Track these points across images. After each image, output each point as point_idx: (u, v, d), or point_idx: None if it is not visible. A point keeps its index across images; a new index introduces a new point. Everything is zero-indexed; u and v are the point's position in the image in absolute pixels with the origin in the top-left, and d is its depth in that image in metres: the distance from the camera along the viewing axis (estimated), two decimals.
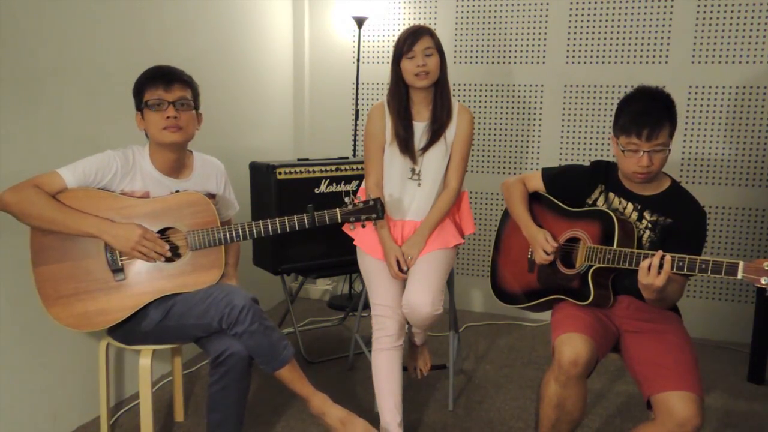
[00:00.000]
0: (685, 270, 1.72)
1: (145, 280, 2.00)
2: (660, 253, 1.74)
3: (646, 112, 1.87)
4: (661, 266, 1.72)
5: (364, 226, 2.17)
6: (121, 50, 2.51)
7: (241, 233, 2.04)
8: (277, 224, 2.06)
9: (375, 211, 2.13)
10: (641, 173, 1.90)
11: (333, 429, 2.06)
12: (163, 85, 2.00)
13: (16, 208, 1.88)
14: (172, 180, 2.10)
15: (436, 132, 2.32)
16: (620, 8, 3.35)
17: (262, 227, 2.06)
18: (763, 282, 1.59)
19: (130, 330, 2.05)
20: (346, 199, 2.13)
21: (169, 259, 2.02)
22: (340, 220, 2.11)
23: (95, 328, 2.00)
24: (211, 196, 2.17)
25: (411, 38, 2.22)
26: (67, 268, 1.95)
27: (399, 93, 2.30)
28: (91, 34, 2.38)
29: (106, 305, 1.97)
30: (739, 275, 1.62)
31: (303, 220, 2.07)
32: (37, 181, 1.91)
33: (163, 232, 2.03)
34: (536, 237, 2.09)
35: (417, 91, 2.29)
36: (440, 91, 2.30)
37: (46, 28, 2.19)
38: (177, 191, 2.08)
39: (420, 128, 2.33)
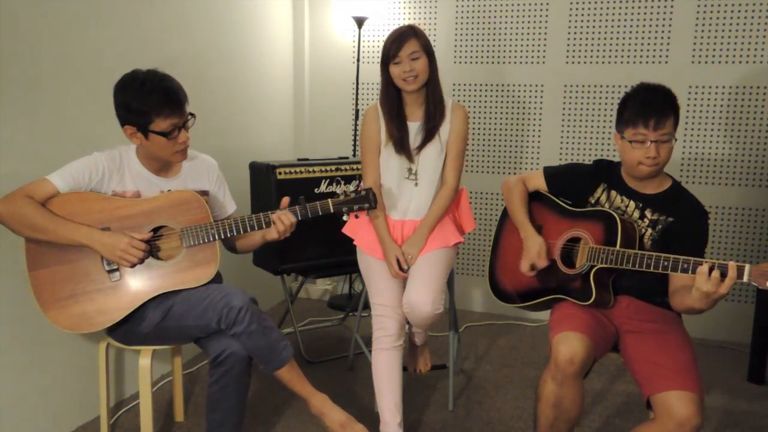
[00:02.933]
0: (689, 272, 1.71)
1: (142, 278, 2.00)
2: (714, 262, 1.65)
3: (651, 102, 1.90)
4: (723, 274, 1.62)
5: (357, 216, 2.16)
6: (121, 50, 2.51)
7: (234, 228, 2.04)
8: (270, 217, 2.06)
9: (367, 200, 2.12)
10: (648, 165, 1.90)
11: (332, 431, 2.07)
12: (177, 113, 1.96)
13: (8, 219, 1.87)
14: (160, 179, 2.09)
15: (429, 131, 2.32)
16: (620, 8, 3.35)
17: (255, 221, 2.05)
18: None
19: (129, 331, 2.04)
20: (338, 190, 2.13)
21: (154, 255, 2.01)
22: (332, 210, 2.10)
23: (94, 329, 1.99)
24: (203, 193, 2.16)
25: (396, 44, 2.21)
26: (63, 270, 1.95)
27: (390, 96, 2.31)
28: (91, 34, 2.39)
29: (104, 305, 1.97)
30: (745, 278, 1.60)
31: (296, 212, 2.07)
32: (28, 190, 1.89)
33: (156, 231, 2.02)
34: (530, 249, 2.09)
35: (408, 92, 2.29)
36: (431, 90, 2.30)
37: (46, 28, 2.19)
38: (169, 190, 2.08)
39: (414, 128, 2.34)
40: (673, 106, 1.91)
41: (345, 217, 2.14)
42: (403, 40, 2.21)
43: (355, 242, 2.44)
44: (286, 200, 2.10)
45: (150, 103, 1.92)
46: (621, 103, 1.98)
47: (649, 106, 1.89)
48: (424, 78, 2.25)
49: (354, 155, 3.75)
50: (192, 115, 2.02)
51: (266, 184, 3.02)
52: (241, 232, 2.06)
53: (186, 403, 2.62)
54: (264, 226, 2.07)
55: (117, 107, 1.96)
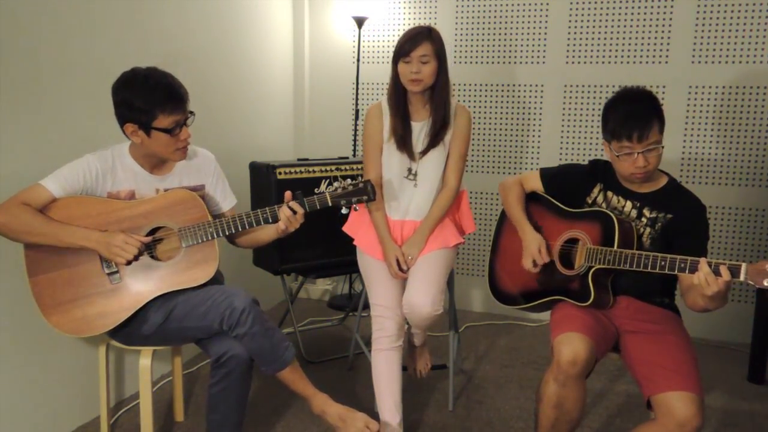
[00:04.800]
0: (687, 271, 1.72)
1: (142, 279, 1.99)
2: (703, 260, 1.67)
3: (633, 114, 1.88)
4: (715, 272, 1.64)
5: (356, 209, 2.15)
6: (121, 50, 2.51)
7: (233, 225, 2.02)
8: (268, 213, 2.03)
9: (365, 192, 2.09)
10: (639, 174, 1.91)
11: (334, 427, 2.07)
12: (180, 110, 1.94)
13: (5, 228, 1.86)
14: (155, 177, 2.08)
15: (434, 138, 2.31)
16: (620, 8, 3.35)
17: (253, 218, 2.03)
18: (766, 284, 1.58)
19: (131, 333, 2.04)
20: (335, 183, 2.11)
21: (150, 254, 2.00)
22: (330, 203, 2.07)
23: (96, 332, 1.98)
24: (200, 187, 2.14)
25: (410, 43, 2.21)
26: (63, 275, 1.94)
27: (397, 92, 2.30)
28: (91, 34, 2.38)
29: (105, 308, 1.96)
30: (742, 277, 1.61)
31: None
32: (24, 198, 1.88)
33: (154, 232, 2.01)
34: (530, 245, 2.09)
35: (412, 92, 2.29)
36: (438, 94, 2.28)
37: (46, 28, 2.19)
38: (165, 190, 2.07)
39: (417, 128, 2.33)
40: (656, 112, 1.89)
41: (344, 210, 2.10)
42: (418, 41, 2.20)
43: (355, 242, 2.44)
44: (288, 194, 2.08)
45: (154, 99, 1.90)
46: (604, 111, 1.97)
47: (631, 118, 1.87)
48: (429, 83, 2.24)
49: (354, 155, 3.75)
50: (192, 112, 2.01)
51: (266, 184, 3.02)
52: (239, 229, 2.04)
53: (186, 403, 2.62)
54: (262, 222, 2.05)
55: (118, 105, 1.94)
